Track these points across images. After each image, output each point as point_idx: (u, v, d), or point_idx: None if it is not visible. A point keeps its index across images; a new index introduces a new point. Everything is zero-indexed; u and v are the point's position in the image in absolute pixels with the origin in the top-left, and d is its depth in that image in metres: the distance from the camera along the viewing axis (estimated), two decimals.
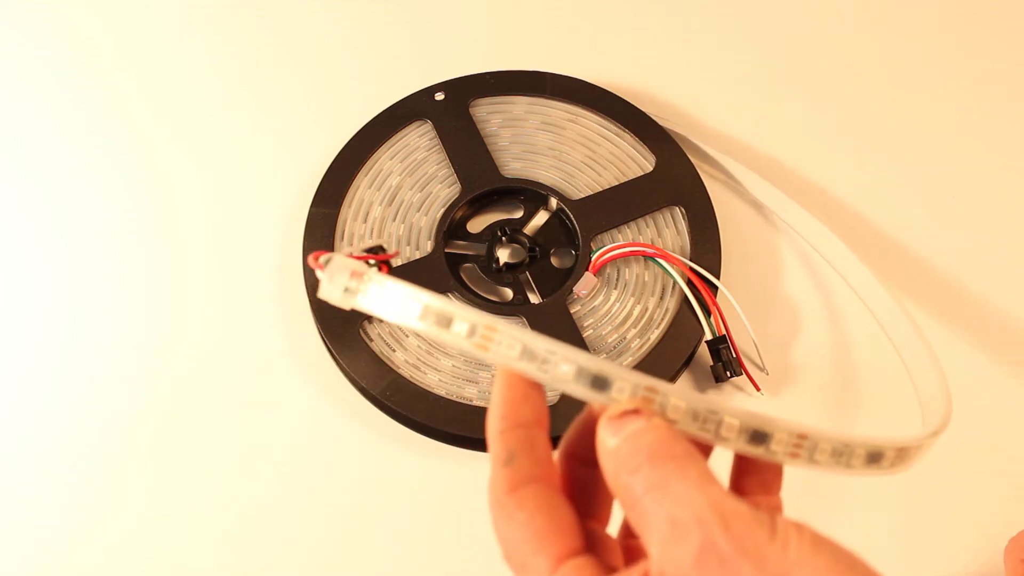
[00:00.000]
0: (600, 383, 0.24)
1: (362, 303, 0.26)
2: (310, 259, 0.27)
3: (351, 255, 0.27)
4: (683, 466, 0.23)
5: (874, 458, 0.25)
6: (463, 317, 0.25)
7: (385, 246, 0.51)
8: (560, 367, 0.24)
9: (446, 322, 0.25)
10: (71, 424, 0.48)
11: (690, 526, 0.22)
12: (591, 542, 0.25)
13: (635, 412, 0.24)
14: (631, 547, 0.27)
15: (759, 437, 0.24)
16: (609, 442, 0.24)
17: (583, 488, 0.27)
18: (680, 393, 0.24)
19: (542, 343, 0.24)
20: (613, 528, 0.28)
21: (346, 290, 0.26)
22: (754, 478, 0.26)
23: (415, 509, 0.46)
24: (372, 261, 0.27)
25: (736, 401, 0.48)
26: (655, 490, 0.23)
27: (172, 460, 0.47)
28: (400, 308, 0.25)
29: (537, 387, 0.26)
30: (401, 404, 0.46)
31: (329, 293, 0.26)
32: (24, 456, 0.47)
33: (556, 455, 0.27)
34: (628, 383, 0.24)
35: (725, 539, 0.22)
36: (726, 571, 0.21)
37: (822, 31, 0.61)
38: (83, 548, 0.45)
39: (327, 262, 0.26)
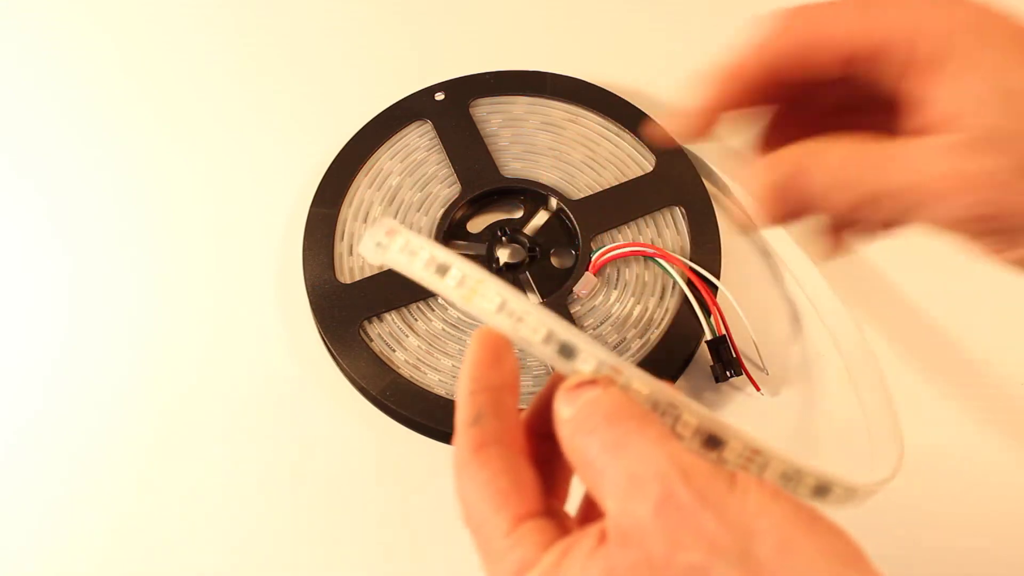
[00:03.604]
0: (567, 351, 0.25)
1: (387, 257, 0.27)
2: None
3: None
4: (641, 425, 0.23)
5: (821, 491, 0.25)
6: (458, 267, 0.26)
7: None
8: (531, 328, 0.25)
9: (443, 271, 0.26)
10: (71, 424, 0.48)
11: (649, 480, 0.22)
12: (549, 514, 0.25)
13: (592, 383, 0.24)
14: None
15: (713, 442, 0.24)
16: (564, 411, 0.25)
17: (542, 463, 0.27)
18: (644, 379, 0.24)
19: (521, 303, 0.25)
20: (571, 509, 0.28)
21: (378, 244, 0.27)
22: None
23: (415, 509, 0.46)
24: None
25: (736, 401, 0.48)
26: (612, 448, 0.23)
27: (171, 460, 0.47)
28: (411, 258, 0.26)
29: (509, 351, 0.26)
30: (401, 404, 0.46)
31: (365, 247, 0.27)
32: (23, 457, 0.47)
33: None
34: (594, 357, 0.25)
35: (685, 490, 0.22)
36: (686, 522, 0.21)
37: None
38: (82, 549, 0.45)
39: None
